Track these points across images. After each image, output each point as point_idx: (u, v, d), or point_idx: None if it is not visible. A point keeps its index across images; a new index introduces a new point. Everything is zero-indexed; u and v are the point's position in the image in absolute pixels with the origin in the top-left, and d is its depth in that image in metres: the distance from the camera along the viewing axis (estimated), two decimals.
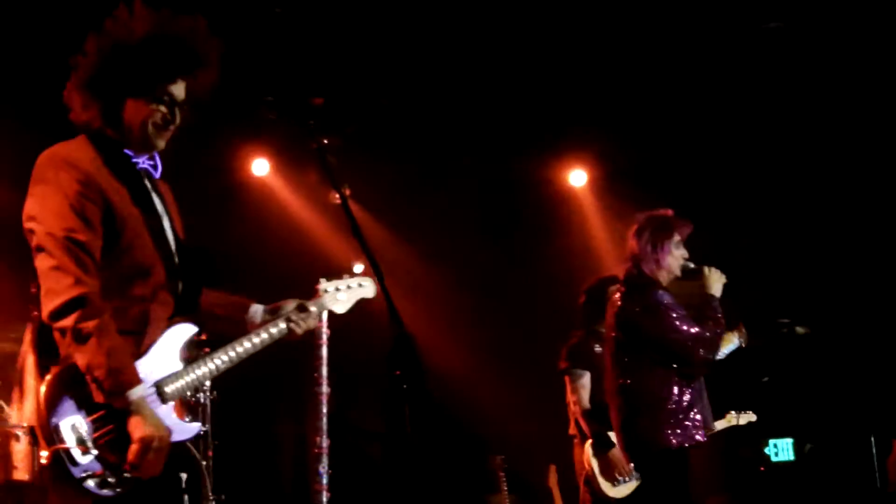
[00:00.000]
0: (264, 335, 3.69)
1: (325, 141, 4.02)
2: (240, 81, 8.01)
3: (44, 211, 3.28)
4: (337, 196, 4.01)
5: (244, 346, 3.64)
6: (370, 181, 8.83)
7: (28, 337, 3.35)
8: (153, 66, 3.48)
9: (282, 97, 4.02)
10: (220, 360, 3.57)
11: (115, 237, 3.36)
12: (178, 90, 3.58)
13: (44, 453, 3.15)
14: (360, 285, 4.11)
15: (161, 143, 3.59)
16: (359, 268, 4.49)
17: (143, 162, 3.57)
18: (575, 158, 9.88)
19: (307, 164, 8.88)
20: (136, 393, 3.21)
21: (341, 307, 4.04)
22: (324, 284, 3.98)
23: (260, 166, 9.66)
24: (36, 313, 3.30)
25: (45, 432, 3.16)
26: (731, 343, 5.91)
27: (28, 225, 3.30)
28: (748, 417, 6.90)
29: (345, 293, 4.04)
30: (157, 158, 3.63)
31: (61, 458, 3.15)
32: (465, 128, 9.23)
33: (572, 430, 7.08)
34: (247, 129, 9.02)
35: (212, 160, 9.26)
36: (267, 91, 3.92)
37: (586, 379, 6.91)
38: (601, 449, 6.74)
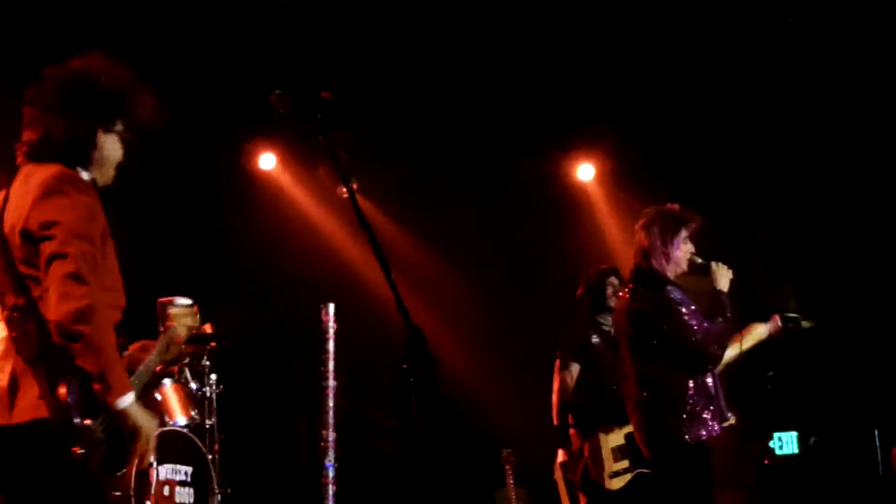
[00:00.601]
0: (156, 356, 3.99)
1: (334, 135, 4.04)
2: (247, 75, 8.04)
3: (69, 222, 3.46)
4: (344, 190, 4.03)
5: (150, 362, 3.93)
6: (378, 176, 8.84)
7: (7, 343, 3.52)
8: (128, 106, 3.76)
9: (290, 91, 4.02)
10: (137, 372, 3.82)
11: (104, 256, 3.57)
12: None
13: (80, 451, 3.35)
14: (190, 314, 4.45)
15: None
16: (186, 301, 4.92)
17: None
18: (583, 153, 9.88)
19: (315, 159, 8.90)
20: (132, 395, 3.47)
21: (183, 332, 4.34)
22: (171, 309, 4.32)
23: (267, 160, 9.69)
24: (30, 323, 3.46)
25: (74, 433, 3.36)
26: (759, 335, 5.87)
27: (46, 232, 3.44)
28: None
29: (184, 320, 4.35)
30: None
31: (99, 458, 3.40)
32: (472, 123, 9.24)
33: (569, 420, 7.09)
34: (254, 124, 9.04)
35: (219, 154, 9.29)
36: (275, 85, 3.93)
37: (574, 369, 6.92)
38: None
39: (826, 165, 8.95)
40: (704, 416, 5.36)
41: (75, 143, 3.66)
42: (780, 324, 5.94)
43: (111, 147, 3.76)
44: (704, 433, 5.35)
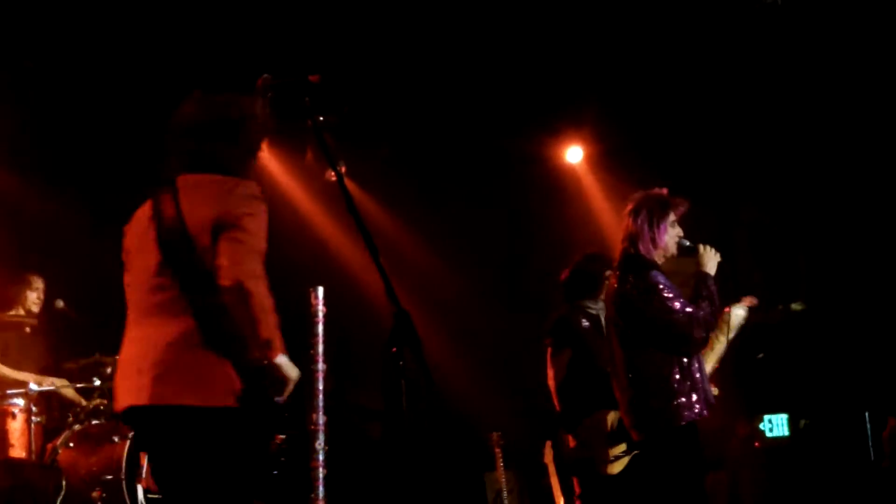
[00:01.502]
0: None
1: (321, 118, 4.04)
2: (235, 59, 8.01)
3: (256, 216, 3.95)
4: (332, 174, 4.05)
5: None
6: (366, 159, 8.84)
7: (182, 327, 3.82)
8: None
9: (278, 74, 4.05)
10: None
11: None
12: None
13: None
14: None
15: None
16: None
17: None
18: (571, 135, 9.87)
19: (302, 142, 8.88)
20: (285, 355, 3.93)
21: None
22: None
23: None
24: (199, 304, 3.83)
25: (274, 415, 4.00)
26: (739, 315, 5.89)
27: (239, 221, 3.89)
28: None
29: None
30: None
31: None
32: (460, 106, 9.22)
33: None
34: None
35: None
36: (262, 69, 3.96)
37: (565, 355, 6.91)
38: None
39: (811, 147, 8.95)
40: (691, 398, 5.38)
41: (234, 166, 4.09)
42: (750, 299, 5.94)
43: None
44: (691, 415, 5.37)
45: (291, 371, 3.94)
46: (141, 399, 3.78)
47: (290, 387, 3.98)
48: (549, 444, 7.94)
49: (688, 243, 5.64)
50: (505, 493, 8.24)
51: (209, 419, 3.77)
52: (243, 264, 3.79)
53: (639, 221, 5.59)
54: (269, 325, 3.79)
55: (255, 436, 3.95)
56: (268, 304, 3.81)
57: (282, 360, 3.87)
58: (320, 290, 5.60)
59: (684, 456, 5.40)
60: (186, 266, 3.87)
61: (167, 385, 3.76)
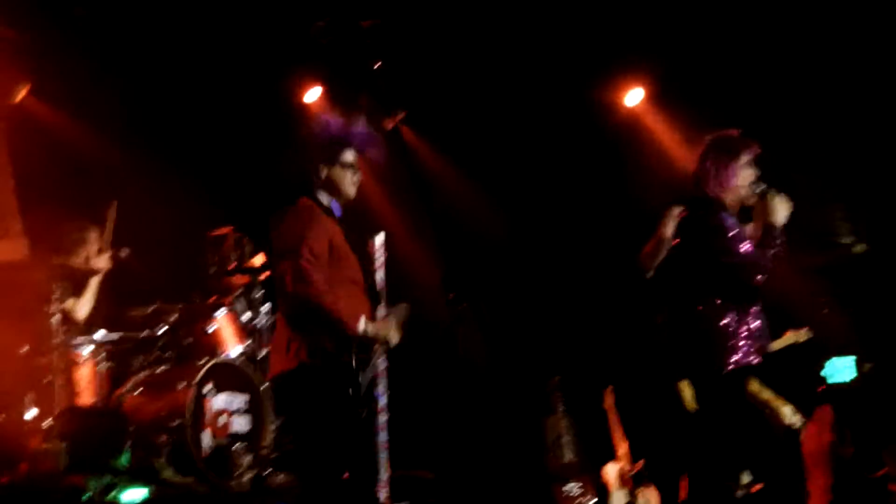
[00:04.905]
0: None
1: (377, 65, 4.04)
2: (290, 7, 8.02)
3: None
4: (390, 121, 4.05)
5: None
6: (423, 106, 8.80)
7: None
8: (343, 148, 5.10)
9: (333, 21, 4.04)
10: None
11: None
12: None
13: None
14: None
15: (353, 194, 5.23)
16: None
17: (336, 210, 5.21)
18: (629, 78, 9.75)
19: (358, 90, 8.89)
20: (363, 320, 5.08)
21: None
22: None
23: (312, 93, 9.72)
24: None
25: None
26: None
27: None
28: (807, 334, 6.81)
29: None
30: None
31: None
32: (517, 52, 9.16)
33: None
34: (299, 56, 9.02)
35: (269, 88, 9.32)
36: (318, 15, 3.96)
37: None
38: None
39: (876, 84, 8.77)
40: (743, 344, 5.31)
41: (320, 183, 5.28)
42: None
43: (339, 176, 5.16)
44: (740, 362, 5.30)
45: (381, 330, 5.05)
46: None
47: (393, 340, 5.13)
48: (609, 389, 7.96)
49: (759, 189, 5.53)
50: (564, 439, 8.28)
51: None
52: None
53: (707, 163, 5.53)
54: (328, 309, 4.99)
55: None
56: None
57: (362, 327, 5.02)
58: (379, 236, 5.61)
59: (729, 403, 5.35)
60: None
61: None
